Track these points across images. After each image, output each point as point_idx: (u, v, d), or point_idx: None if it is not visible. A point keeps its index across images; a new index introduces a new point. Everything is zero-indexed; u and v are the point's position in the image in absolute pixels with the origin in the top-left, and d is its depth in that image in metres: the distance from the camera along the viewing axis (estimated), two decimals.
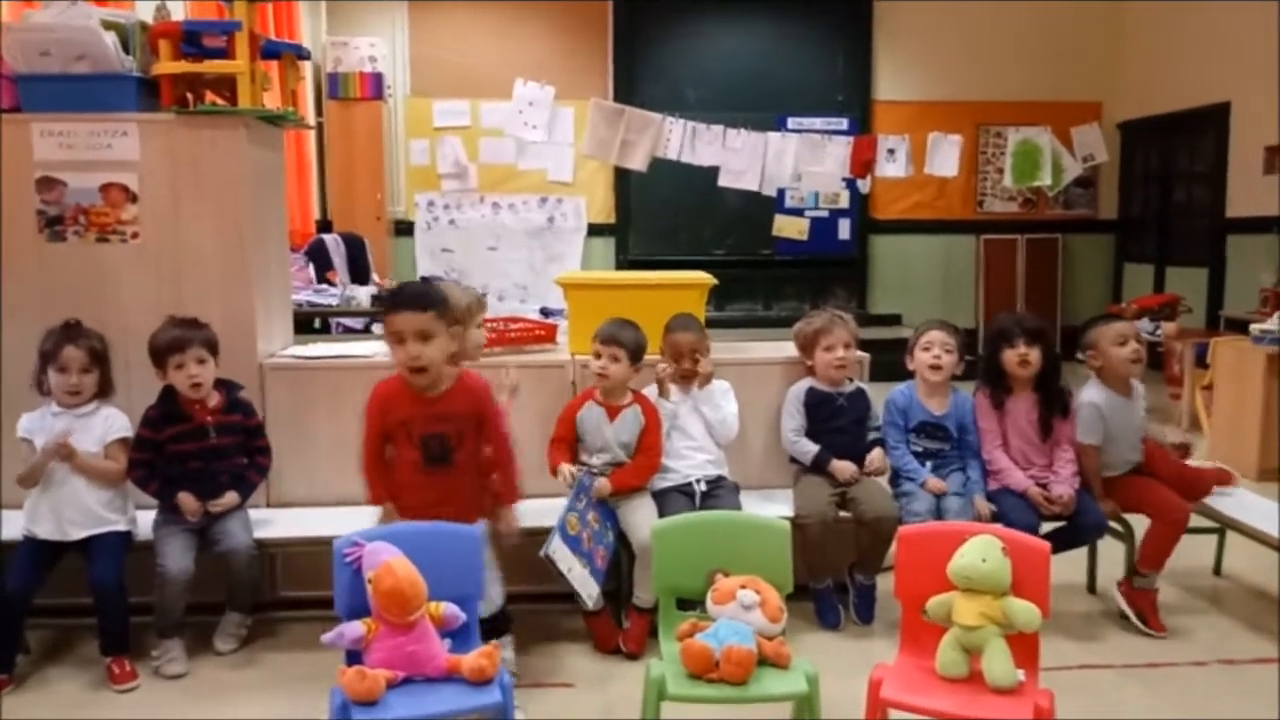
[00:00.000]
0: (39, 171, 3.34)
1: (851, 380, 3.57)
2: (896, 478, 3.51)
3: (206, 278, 3.42)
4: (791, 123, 8.45)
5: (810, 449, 3.47)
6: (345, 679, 2.16)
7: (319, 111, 8.46)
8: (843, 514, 3.35)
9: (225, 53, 3.40)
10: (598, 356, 3.29)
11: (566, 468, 3.18)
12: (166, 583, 2.97)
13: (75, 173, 3.35)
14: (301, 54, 3.89)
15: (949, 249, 9.17)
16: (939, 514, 3.31)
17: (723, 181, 4.41)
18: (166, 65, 3.36)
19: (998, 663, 2.25)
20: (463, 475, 2.84)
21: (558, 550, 2.92)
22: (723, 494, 3.33)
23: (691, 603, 2.57)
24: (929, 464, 3.47)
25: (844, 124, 8.71)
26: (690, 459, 3.38)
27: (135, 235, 3.39)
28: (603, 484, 3.18)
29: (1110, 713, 2.82)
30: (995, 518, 3.27)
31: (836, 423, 3.51)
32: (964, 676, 2.29)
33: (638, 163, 4.30)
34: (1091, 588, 3.66)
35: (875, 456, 3.47)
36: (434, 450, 2.79)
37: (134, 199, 3.38)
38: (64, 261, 3.38)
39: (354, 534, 2.39)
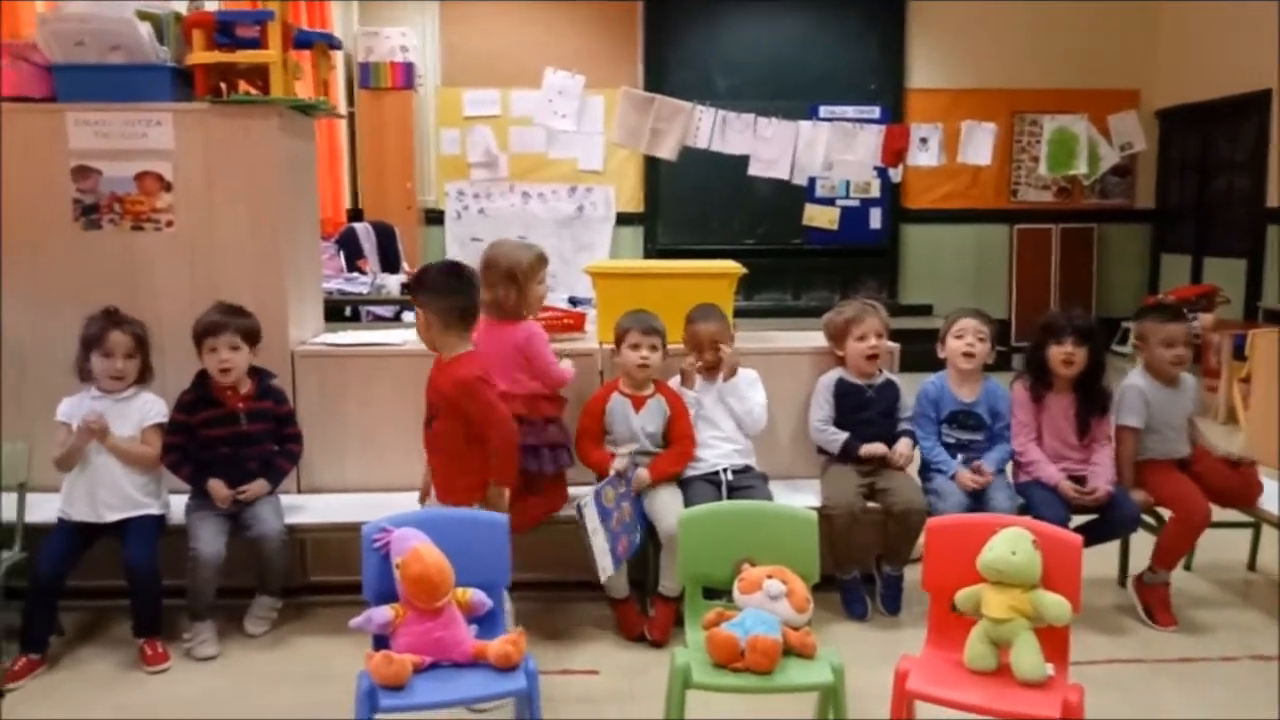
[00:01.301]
0: (74, 160, 3.38)
1: (881, 371, 3.55)
2: (926, 470, 3.49)
3: (239, 266, 3.45)
4: (823, 111, 8.38)
5: (839, 437, 3.45)
6: (372, 663, 2.17)
7: (350, 101, 8.50)
8: (871, 505, 3.34)
9: (258, 43, 3.42)
10: (636, 348, 3.28)
11: (621, 458, 3.19)
12: (199, 566, 3.01)
13: (110, 161, 3.38)
14: (333, 44, 3.90)
15: (981, 239, 9.07)
16: (983, 507, 3.26)
17: (753, 170, 4.39)
18: (200, 55, 3.39)
19: (1026, 656, 2.23)
20: (438, 446, 3.02)
21: (589, 508, 2.99)
22: (752, 484, 3.32)
23: (717, 592, 2.56)
24: (960, 456, 3.44)
25: (876, 112, 8.63)
26: (717, 448, 3.38)
27: (170, 224, 3.43)
28: (642, 475, 3.20)
29: (1140, 708, 2.79)
30: (1024, 510, 3.24)
31: (865, 414, 3.49)
32: (992, 670, 2.27)
33: (667, 151, 4.28)
34: (1123, 581, 3.62)
35: (903, 448, 3.44)
36: (427, 415, 3.06)
37: (168, 188, 3.41)
38: (99, 249, 3.42)
39: (382, 520, 2.41)
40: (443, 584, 2.28)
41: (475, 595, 2.38)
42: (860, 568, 3.41)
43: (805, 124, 4.31)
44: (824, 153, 4.32)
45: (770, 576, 2.39)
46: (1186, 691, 2.89)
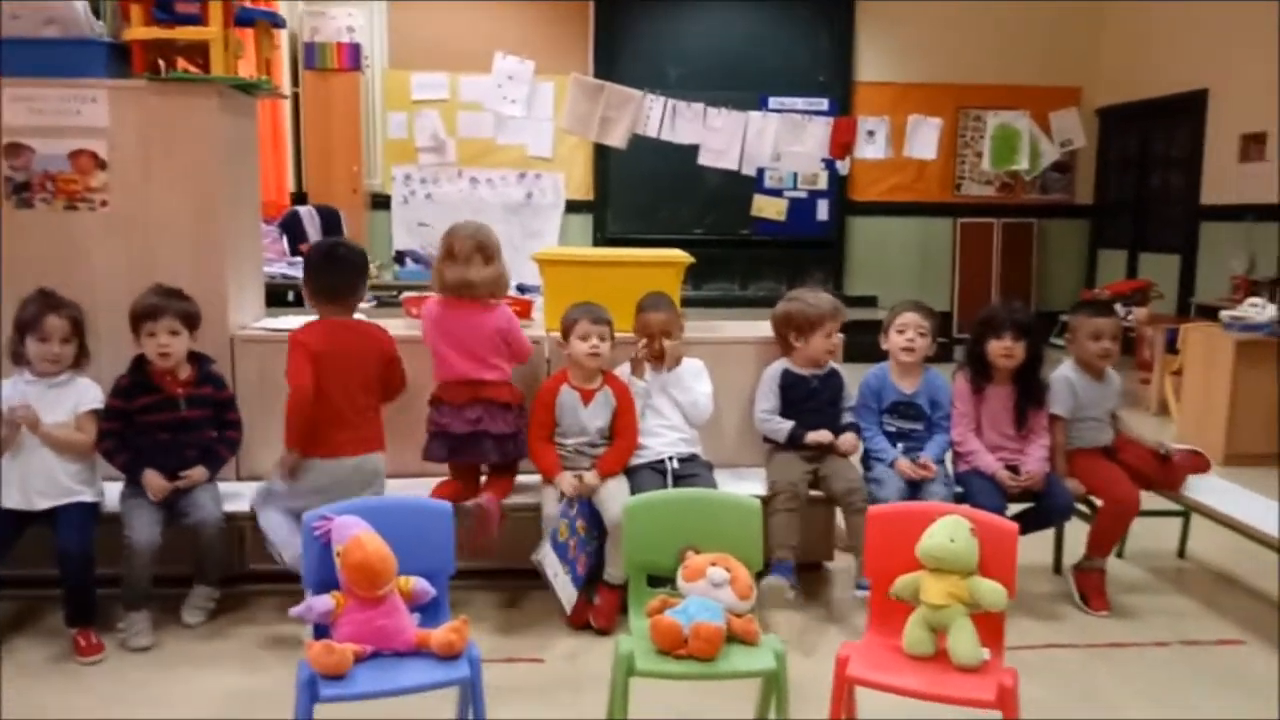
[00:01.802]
0: (6, 137, 3.28)
1: (828, 361, 3.58)
2: (867, 459, 3.53)
3: (177, 248, 3.38)
4: (773, 103, 8.43)
5: (784, 425, 3.47)
6: (312, 653, 2.15)
7: (295, 81, 8.35)
8: (814, 493, 3.37)
9: (199, 19, 3.34)
10: (585, 338, 3.27)
11: (569, 478, 3.18)
12: (134, 554, 2.95)
13: (43, 139, 3.29)
14: (276, 22, 3.83)
15: (926, 232, 9.19)
16: (920, 495, 3.30)
17: (703, 160, 4.40)
18: (138, 31, 3.31)
19: (963, 641, 2.27)
20: None
21: (547, 557, 3.03)
22: (697, 472, 3.34)
23: (662, 580, 2.57)
24: (900, 445, 3.49)
25: (825, 105, 8.70)
26: (663, 436, 3.38)
27: (104, 204, 3.34)
28: (592, 478, 3.19)
29: (1074, 691, 2.86)
30: (962, 499, 3.30)
31: (810, 404, 3.52)
32: (930, 655, 2.31)
33: (617, 139, 4.29)
34: (1057, 568, 3.70)
35: (847, 439, 3.48)
36: None
37: (103, 166, 3.32)
38: (31, 229, 3.32)
39: (323, 508, 2.38)
40: (384, 572, 2.26)
41: (418, 584, 2.35)
42: (795, 558, 3.39)
43: (755, 114, 4.35)
44: (773, 144, 4.35)
45: (714, 564, 2.40)
46: (1120, 675, 2.96)
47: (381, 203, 8.77)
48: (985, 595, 2.30)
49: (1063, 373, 3.56)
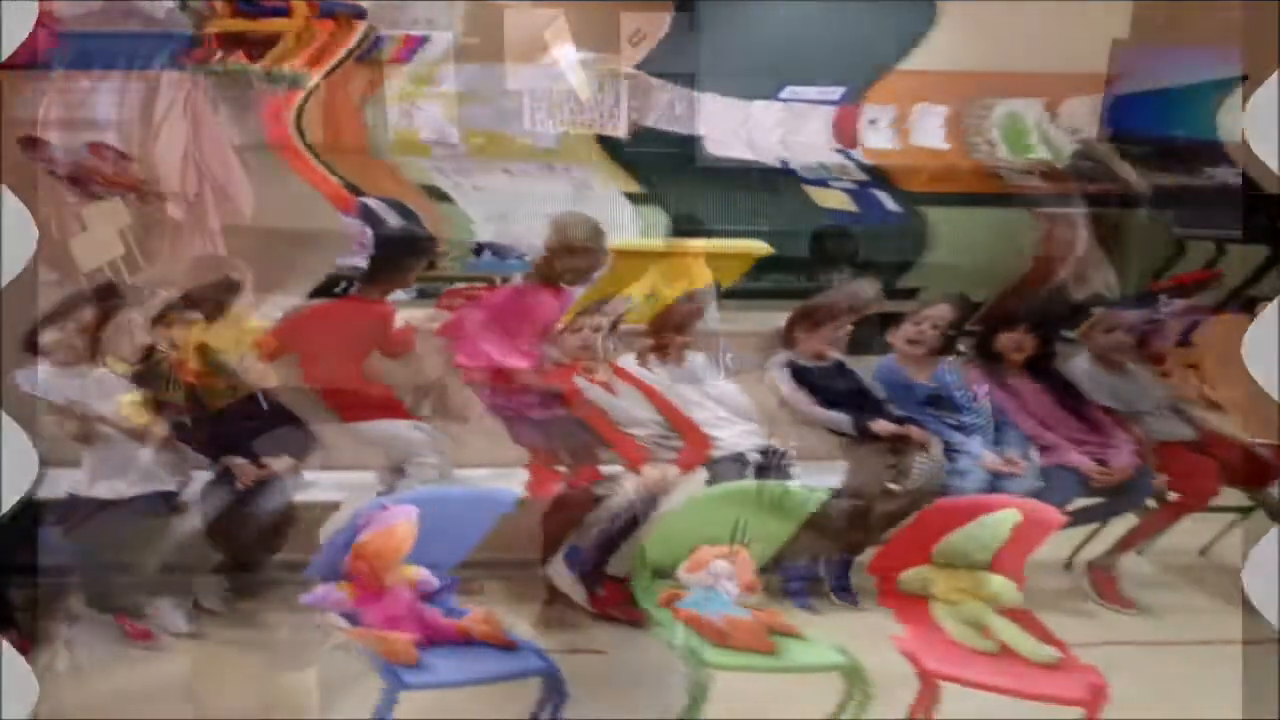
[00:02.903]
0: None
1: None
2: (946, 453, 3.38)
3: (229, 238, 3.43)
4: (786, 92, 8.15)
5: (839, 417, 3.36)
6: (378, 644, 2.13)
7: None
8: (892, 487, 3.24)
9: (285, 11, 3.40)
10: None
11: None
12: (197, 539, 2.97)
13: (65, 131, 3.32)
14: (359, 14, 3.83)
15: (990, 222, 8.90)
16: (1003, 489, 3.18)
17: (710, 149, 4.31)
18: (224, 23, 3.36)
19: (1017, 639, 2.23)
20: None
21: (559, 573, 3.07)
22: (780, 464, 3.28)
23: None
24: (961, 438, 3.38)
25: (837, 94, 8.41)
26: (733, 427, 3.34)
27: (139, 195, 3.37)
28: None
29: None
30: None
31: (834, 394, 3.42)
32: (993, 651, 2.24)
33: (680, 128, 4.22)
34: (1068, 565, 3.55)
35: (918, 430, 3.33)
36: None
37: (124, 156, 3.35)
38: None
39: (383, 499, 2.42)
40: (392, 563, 2.25)
41: (421, 573, 2.32)
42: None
43: (759, 104, 4.22)
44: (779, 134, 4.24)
45: (720, 557, 2.36)
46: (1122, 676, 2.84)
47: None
48: (999, 591, 2.26)
49: (1079, 364, 3.50)
